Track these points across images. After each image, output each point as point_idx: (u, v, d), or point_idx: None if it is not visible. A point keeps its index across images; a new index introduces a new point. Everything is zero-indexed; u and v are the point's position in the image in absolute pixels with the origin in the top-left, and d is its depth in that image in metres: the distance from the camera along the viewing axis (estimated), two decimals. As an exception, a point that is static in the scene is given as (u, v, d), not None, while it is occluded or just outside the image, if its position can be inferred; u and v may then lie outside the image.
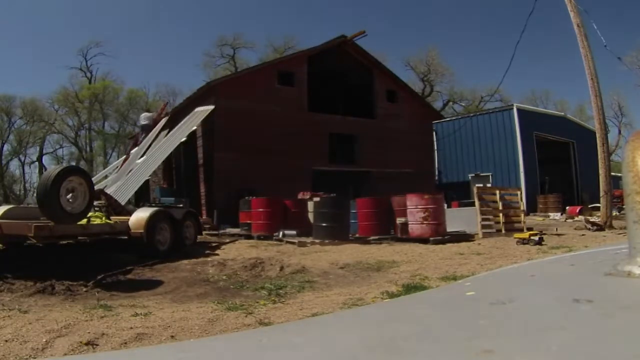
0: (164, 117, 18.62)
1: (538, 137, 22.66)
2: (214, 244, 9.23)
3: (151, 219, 7.10)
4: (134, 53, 63.24)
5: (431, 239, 9.06)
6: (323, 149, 17.34)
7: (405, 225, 9.74)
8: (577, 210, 17.17)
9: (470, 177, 23.52)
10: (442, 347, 0.72)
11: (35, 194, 7.46)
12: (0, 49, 52.42)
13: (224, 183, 14.69)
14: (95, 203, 7.33)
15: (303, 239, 9.22)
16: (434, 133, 22.83)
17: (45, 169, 33.99)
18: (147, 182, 17.67)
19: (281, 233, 9.93)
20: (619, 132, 42.26)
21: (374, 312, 1.25)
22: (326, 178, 16.60)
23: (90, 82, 43.83)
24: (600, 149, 11.50)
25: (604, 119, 11.97)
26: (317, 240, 9.11)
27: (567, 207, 18.55)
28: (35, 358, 2.61)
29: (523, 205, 11.37)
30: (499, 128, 22.62)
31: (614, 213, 12.35)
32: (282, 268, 5.97)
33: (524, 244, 8.00)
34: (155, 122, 18.31)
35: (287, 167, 15.59)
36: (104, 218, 7.56)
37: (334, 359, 0.72)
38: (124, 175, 14.52)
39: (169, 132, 16.55)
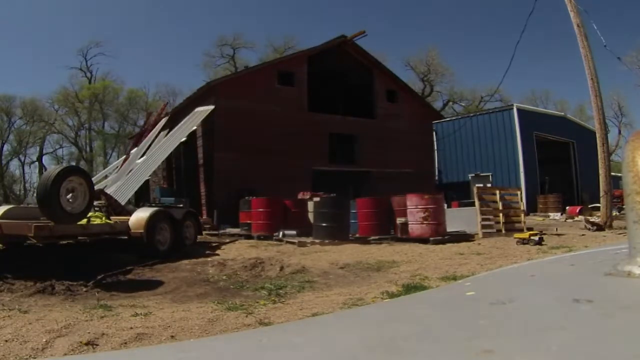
0: (164, 117, 18.64)
1: (538, 137, 22.67)
2: (214, 244, 9.23)
3: (151, 219, 7.10)
4: (134, 53, 63.31)
5: (431, 239, 9.06)
6: (323, 149, 17.34)
7: (405, 225, 9.74)
8: (577, 210, 17.17)
9: (470, 177, 23.52)
10: (442, 347, 0.72)
11: (35, 194, 7.46)
12: (0, 49, 52.48)
13: (224, 183, 14.69)
14: (95, 203, 7.33)
15: (303, 239, 9.22)
16: (434, 133, 22.84)
17: (45, 169, 34.03)
18: (147, 182, 17.69)
19: (281, 233, 9.93)
20: (619, 132, 42.31)
21: (374, 312, 1.25)
22: (326, 178, 16.60)
23: (90, 82, 43.85)
24: (600, 149, 11.50)
25: (604, 119, 11.97)
26: (317, 240, 9.11)
27: (567, 207, 18.54)
28: (35, 358, 2.61)
29: (523, 205, 11.37)
30: (499, 128, 22.63)
31: (614, 213, 12.35)
32: (282, 268, 5.97)
33: (524, 244, 8.00)
34: (155, 122, 18.33)
35: (287, 167, 15.59)
36: (104, 218, 7.56)
37: (334, 359, 0.72)
38: (124, 175, 14.53)
39: (169, 132, 16.56)
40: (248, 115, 15.45)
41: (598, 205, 13.98)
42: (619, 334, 0.70)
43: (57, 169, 5.95)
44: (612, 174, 12.92)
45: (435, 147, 23.31)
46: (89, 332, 3.08)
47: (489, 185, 19.87)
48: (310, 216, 10.35)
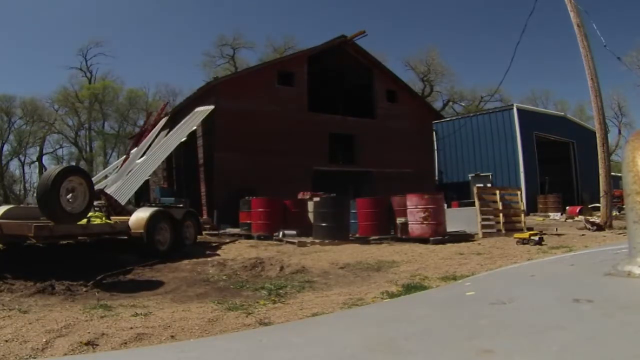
0: (164, 117, 18.64)
1: (538, 137, 22.67)
2: (214, 244, 9.23)
3: (151, 219, 7.09)
4: (133, 53, 63.36)
5: (431, 239, 9.06)
6: (323, 149, 17.34)
7: (405, 225, 9.74)
8: (577, 210, 17.17)
9: (470, 177, 23.53)
10: (442, 347, 0.72)
11: (35, 194, 7.46)
12: (0, 49, 52.48)
13: (224, 183, 14.69)
14: (95, 203, 7.33)
15: (303, 239, 9.22)
16: (434, 133, 22.83)
17: (45, 169, 33.99)
18: (147, 182, 17.70)
19: (281, 233, 9.93)
20: (619, 132, 42.36)
21: (374, 312, 1.25)
22: (326, 178, 16.60)
23: (90, 82, 43.85)
24: (600, 149, 11.49)
25: (604, 119, 11.97)
26: (317, 240, 9.11)
27: (567, 207, 18.55)
28: (35, 358, 2.60)
29: (523, 205, 11.36)
30: (499, 128, 22.63)
31: (614, 213, 12.35)
32: (282, 268, 5.97)
33: (524, 244, 7.99)
34: (155, 122, 18.33)
35: (287, 167, 15.59)
36: (104, 218, 7.56)
37: (334, 359, 0.72)
38: (124, 175, 14.53)
39: (169, 132, 16.56)
40: (248, 115, 15.46)
41: (598, 205, 13.98)
42: (619, 334, 0.70)
43: (57, 169, 5.95)
44: (612, 174, 12.93)
45: (436, 147, 23.31)
46: (89, 332, 3.08)
47: (489, 185, 19.88)
48: (310, 216, 10.35)
